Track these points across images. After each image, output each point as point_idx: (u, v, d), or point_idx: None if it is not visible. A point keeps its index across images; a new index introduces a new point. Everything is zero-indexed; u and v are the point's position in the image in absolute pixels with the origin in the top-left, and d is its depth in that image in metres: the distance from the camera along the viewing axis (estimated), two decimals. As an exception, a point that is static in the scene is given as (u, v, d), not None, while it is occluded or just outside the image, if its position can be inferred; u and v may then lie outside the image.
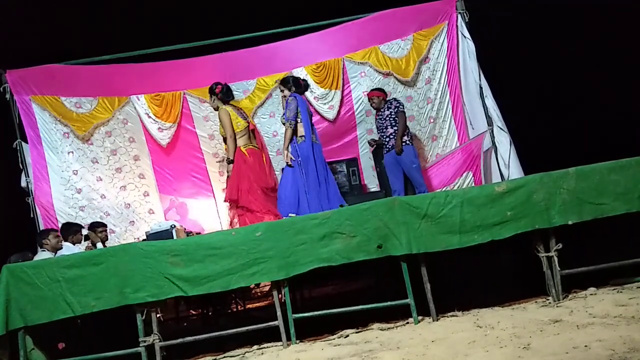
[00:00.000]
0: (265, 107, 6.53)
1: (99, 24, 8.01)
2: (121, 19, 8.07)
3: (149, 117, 6.31)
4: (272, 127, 6.50)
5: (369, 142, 6.20)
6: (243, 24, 6.75)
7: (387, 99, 5.83)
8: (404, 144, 5.53)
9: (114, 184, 6.23)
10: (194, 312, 6.25)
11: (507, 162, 5.60)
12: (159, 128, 6.33)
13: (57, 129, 6.05)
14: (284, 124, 5.09)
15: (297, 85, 5.08)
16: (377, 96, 5.77)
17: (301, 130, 4.93)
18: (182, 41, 6.22)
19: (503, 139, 5.71)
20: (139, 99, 6.33)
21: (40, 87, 6.00)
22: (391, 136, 5.60)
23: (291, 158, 4.88)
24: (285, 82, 5.12)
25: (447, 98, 6.32)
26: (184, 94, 6.46)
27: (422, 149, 6.36)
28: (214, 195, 6.41)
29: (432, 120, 6.36)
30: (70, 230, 5.03)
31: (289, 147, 4.93)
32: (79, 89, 6.17)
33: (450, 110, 6.32)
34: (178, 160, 6.47)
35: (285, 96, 5.06)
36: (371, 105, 5.87)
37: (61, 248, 4.76)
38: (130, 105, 6.34)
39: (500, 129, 5.71)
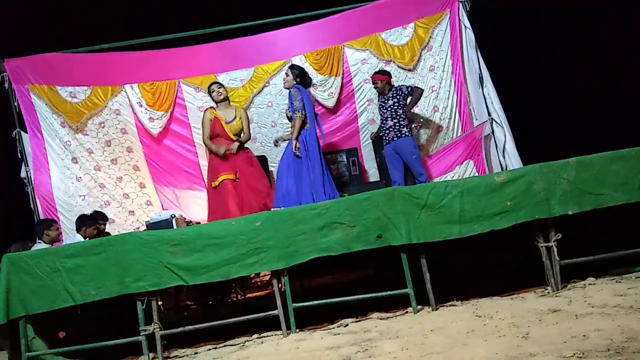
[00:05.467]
0: (263, 96, 6.47)
1: (98, 12, 7.97)
2: (120, 7, 8.02)
3: (141, 106, 6.25)
4: (269, 117, 6.45)
5: (371, 137, 6.19)
6: (242, 12, 6.70)
7: (394, 86, 5.67)
8: (404, 135, 5.47)
9: (110, 174, 6.21)
10: (194, 302, 6.27)
11: (502, 153, 5.61)
12: (150, 118, 6.28)
13: (54, 118, 6.03)
14: (289, 117, 5.05)
15: (302, 78, 5.07)
16: (381, 80, 5.63)
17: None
18: (180, 30, 6.17)
19: (500, 130, 5.71)
20: (132, 88, 6.27)
21: (37, 76, 5.96)
22: (391, 129, 5.51)
23: (298, 148, 4.87)
24: (293, 68, 5.12)
25: (451, 87, 6.25)
26: (179, 82, 6.40)
27: (427, 139, 6.32)
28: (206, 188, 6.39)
29: (437, 110, 6.30)
30: (85, 223, 5.01)
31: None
32: (75, 78, 6.12)
33: (455, 100, 6.26)
34: (170, 153, 6.39)
35: (287, 81, 5.06)
36: (375, 88, 5.75)
37: (59, 241, 4.77)
38: (123, 95, 6.27)
39: (496, 122, 5.69)
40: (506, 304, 3.31)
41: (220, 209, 4.87)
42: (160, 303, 3.53)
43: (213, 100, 5.27)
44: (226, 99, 5.26)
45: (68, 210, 5.87)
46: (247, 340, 3.51)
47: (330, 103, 6.36)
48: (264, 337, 3.52)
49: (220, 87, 5.25)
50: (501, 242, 3.98)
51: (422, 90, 5.72)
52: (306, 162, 4.86)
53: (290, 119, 5.07)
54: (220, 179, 4.96)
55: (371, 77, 5.88)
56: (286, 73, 5.15)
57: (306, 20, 6.32)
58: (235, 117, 5.17)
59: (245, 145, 5.24)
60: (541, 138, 7.67)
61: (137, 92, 6.28)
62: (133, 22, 7.85)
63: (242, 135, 5.20)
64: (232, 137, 5.09)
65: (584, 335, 2.41)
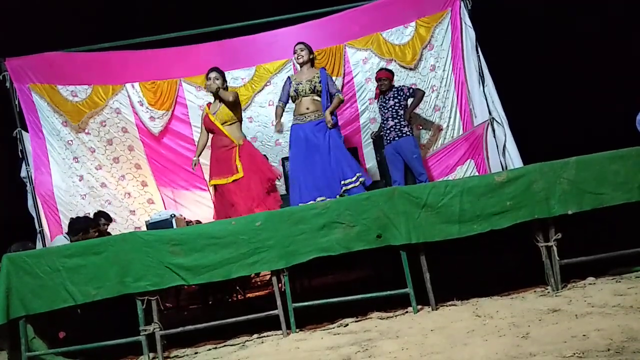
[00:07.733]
0: (264, 95, 6.48)
1: (99, 11, 7.97)
2: (121, 6, 8.02)
3: (142, 105, 6.26)
4: (270, 116, 6.44)
5: (372, 137, 6.18)
6: (243, 11, 6.71)
7: (395, 85, 5.67)
8: (405, 135, 5.47)
9: (112, 173, 6.22)
10: (194, 302, 6.27)
11: (502, 152, 5.61)
12: (151, 117, 6.29)
13: (56, 118, 6.04)
14: (309, 90, 4.77)
15: (314, 56, 5.05)
16: (388, 77, 5.61)
17: None
18: (182, 29, 6.17)
19: (500, 130, 5.70)
20: (133, 87, 6.29)
21: (39, 75, 5.98)
22: (392, 128, 5.51)
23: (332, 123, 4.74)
24: (306, 44, 4.90)
25: (452, 87, 6.25)
26: (181, 81, 6.40)
27: (428, 139, 6.31)
28: (208, 188, 6.35)
29: (437, 109, 6.30)
30: (86, 229, 4.98)
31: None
32: (76, 77, 6.15)
33: (456, 99, 6.25)
34: (171, 152, 6.41)
35: (303, 56, 4.79)
36: (381, 85, 5.63)
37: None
38: (123, 94, 6.28)
39: (497, 122, 5.69)
40: (506, 303, 3.31)
41: (222, 211, 4.64)
42: (160, 304, 3.51)
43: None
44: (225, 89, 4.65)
45: (69, 210, 5.88)
46: (247, 340, 3.51)
47: (332, 103, 6.34)
48: (264, 336, 3.52)
49: (218, 79, 4.62)
50: (501, 241, 3.97)
51: (424, 93, 5.72)
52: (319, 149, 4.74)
53: (312, 91, 4.74)
54: (212, 182, 4.63)
55: (377, 72, 5.80)
56: (300, 48, 4.80)
57: (307, 20, 6.33)
58: (221, 105, 4.61)
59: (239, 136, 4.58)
60: (541, 138, 7.67)
61: (138, 90, 6.29)
62: (134, 21, 7.85)
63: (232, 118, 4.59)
64: (220, 127, 4.55)
65: (584, 335, 2.40)
